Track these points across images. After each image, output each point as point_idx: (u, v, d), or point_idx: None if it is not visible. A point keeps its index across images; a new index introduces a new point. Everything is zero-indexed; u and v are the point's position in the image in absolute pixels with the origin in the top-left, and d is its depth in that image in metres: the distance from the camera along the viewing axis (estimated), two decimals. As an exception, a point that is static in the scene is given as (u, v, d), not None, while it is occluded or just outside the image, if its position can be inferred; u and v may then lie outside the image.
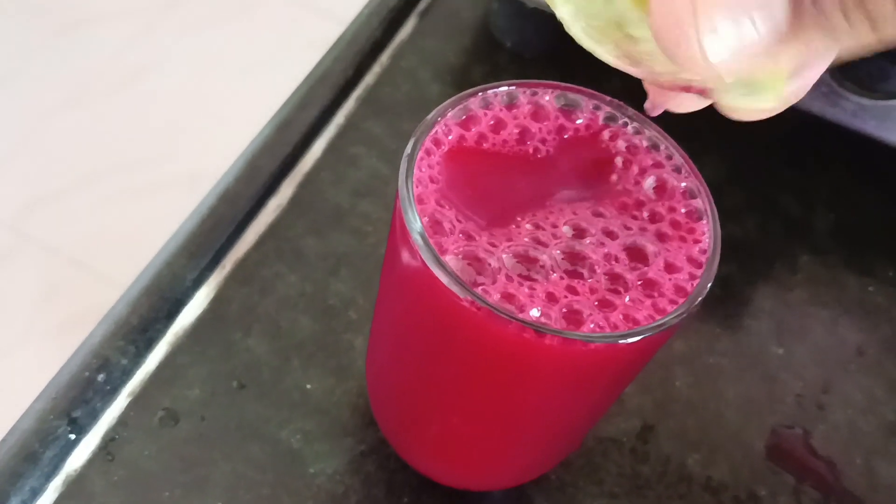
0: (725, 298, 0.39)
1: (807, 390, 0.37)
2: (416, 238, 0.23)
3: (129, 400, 0.32)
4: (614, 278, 0.23)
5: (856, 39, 0.17)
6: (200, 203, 0.36)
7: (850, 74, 0.39)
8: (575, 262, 0.23)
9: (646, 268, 0.24)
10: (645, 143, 0.26)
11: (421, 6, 0.46)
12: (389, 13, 0.45)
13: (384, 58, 0.44)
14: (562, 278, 0.23)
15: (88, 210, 1.09)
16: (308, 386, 0.33)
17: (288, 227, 0.37)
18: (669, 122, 0.25)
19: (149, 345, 0.33)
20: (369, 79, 0.43)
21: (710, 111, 0.21)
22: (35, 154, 1.14)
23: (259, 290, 0.36)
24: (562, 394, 0.25)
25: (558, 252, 0.24)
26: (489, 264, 0.23)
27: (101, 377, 0.32)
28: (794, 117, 0.42)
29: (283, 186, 0.38)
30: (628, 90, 0.24)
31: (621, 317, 0.23)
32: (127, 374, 0.32)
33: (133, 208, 1.09)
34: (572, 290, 0.23)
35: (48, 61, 1.22)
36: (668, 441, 0.34)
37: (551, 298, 0.23)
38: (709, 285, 0.23)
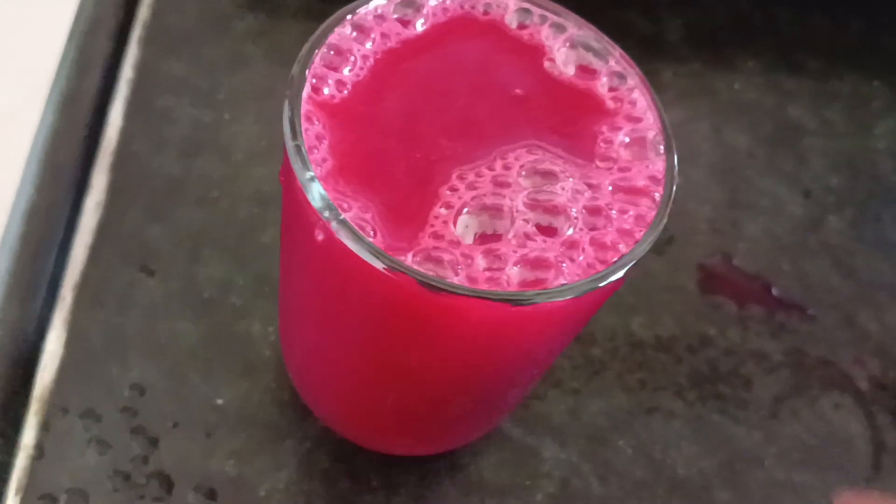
0: (611, 144, 0.36)
1: (716, 212, 0.36)
2: (328, 217, 0.18)
3: (19, 497, 0.26)
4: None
5: None
6: (5, 234, 0.29)
7: None
8: (493, 216, 0.19)
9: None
10: (568, 44, 0.22)
11: None
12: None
13: (151, -19, 0.36)
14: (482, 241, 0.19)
15: None
16: (219, 401, 0.29)
17: (119, 224, 0.31)
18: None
19: (16, 426, 0.27)
20: (144, 13, 0.35)
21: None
22: None
23: (116, 308, 0.30)
24: (501, 357, 0.22)
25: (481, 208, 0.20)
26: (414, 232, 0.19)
27: (-27, 489, 0.26)
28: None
29: (95, 177, 0.32)
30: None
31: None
32: (5, 468, 0.26)
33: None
34: (493, 250, 0.19)
35: None
36: (608, 316, 0.32)
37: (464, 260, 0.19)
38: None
